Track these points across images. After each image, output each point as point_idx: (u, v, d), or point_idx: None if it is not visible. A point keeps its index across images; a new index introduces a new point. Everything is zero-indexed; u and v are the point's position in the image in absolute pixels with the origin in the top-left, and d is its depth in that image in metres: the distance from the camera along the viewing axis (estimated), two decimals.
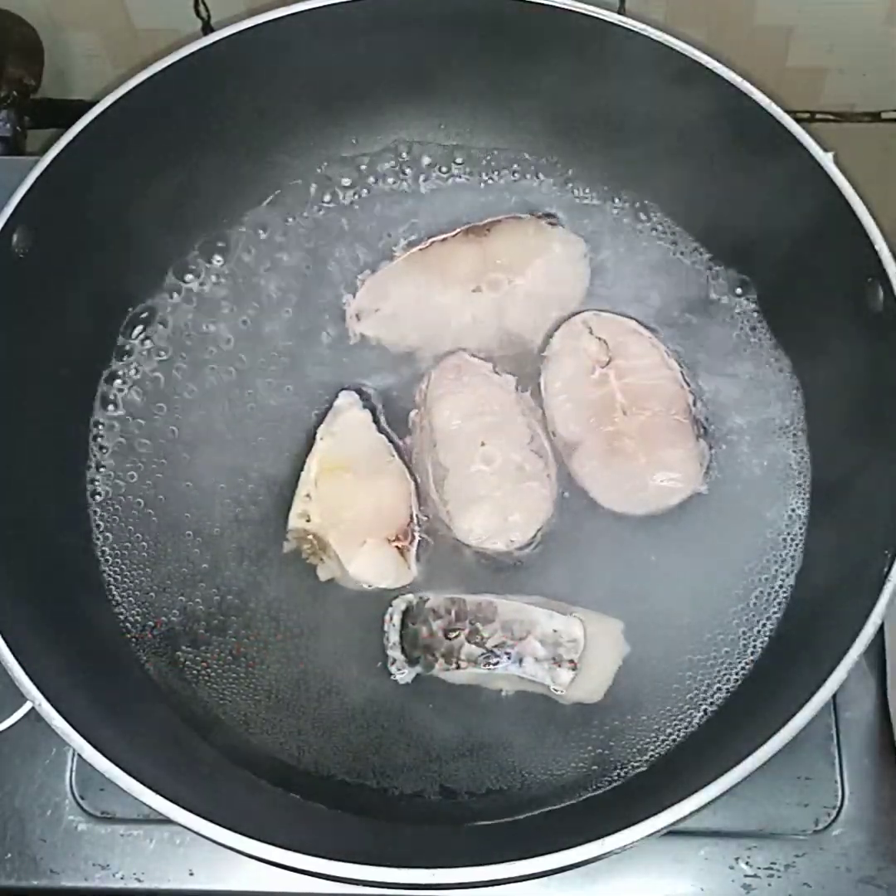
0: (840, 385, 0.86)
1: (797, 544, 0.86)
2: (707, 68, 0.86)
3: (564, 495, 0.88)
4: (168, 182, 0.92)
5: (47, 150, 0.83)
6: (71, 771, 0.87)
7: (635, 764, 0.81)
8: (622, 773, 0.81)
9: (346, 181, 0.98)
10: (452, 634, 0.81)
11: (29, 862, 0.85)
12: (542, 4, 0.87)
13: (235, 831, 0.67)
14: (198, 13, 1.06)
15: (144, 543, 0.88)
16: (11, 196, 0.81)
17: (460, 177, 0.98)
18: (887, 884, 0.83)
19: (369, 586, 0.85)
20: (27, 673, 0.71)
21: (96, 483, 0.89)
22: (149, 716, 0.82)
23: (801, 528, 0.87)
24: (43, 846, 0.85)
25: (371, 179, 0.98)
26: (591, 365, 0.90)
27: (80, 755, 0.70)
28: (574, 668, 0.80)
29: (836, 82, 1.12)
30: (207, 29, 1.07)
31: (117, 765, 0.69)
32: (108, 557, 0.88)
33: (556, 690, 0.80)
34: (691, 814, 0.67)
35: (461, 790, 0.81)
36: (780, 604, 0.85)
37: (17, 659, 0.71)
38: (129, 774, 0.69)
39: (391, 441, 0.89)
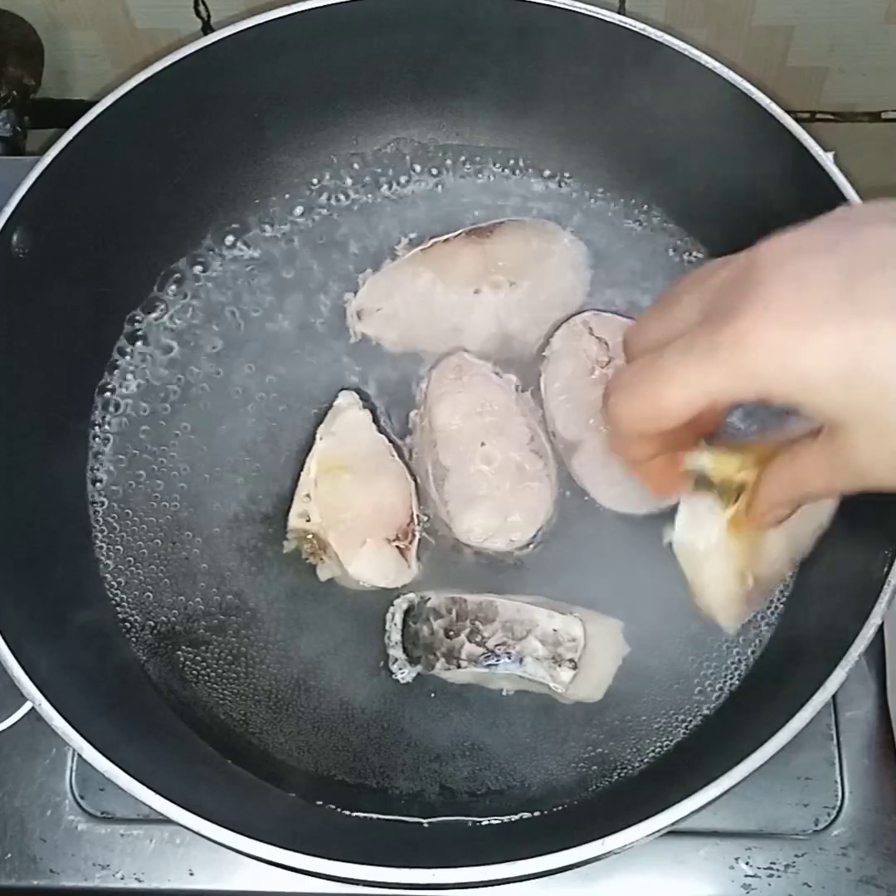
0: None
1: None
2: (707, 68, 0.86)
3: (565, 495, 0.88)
4: (168, 182, 0.92)
5: (47, 150, 0.83)
6: (71, 771, 0.87)
7: (635, 764, 0.81)
8: (622, 773, 0.81)
9: (346, 181, 0.98)
10: (453, 634, 0.81)
11: (29, 862, 0.85)
12: (542, 4, 0.87)
13: (235, 831, 0.67)
14: (198, 13, 1.06)
15: (144, 543, 0.88)
16: (11, 196, 0.81)
17: (460, 176, 0.98)
18: (887, 884, 0.83)
19: (369, 586, 0.85)
20: (27, 673, 0.71)
21: (96, 483, 0.89)
22: (149, 716, 0.82)
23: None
24: (43, 846, 0.85)
25: (371, 179, 0.98)
26: (591, 365, 0.90)
27: (80, 755, 0.70)
28: (574, 667, 0.80)
29: (836, 82, 1.12)
30: (207, 29, 1.07)
31: (117, 765, 0.69)
32: (108, 557, 0.88)
33: (556, 689, 0.80)
34: (691, 814, 0.67)
35: (461, 790, 0.81)
36: (780, 603, 0.85)
37: (17, 659, 0.71)
38: (129, 774, 0.68)
39: (391, 441, 0.89)
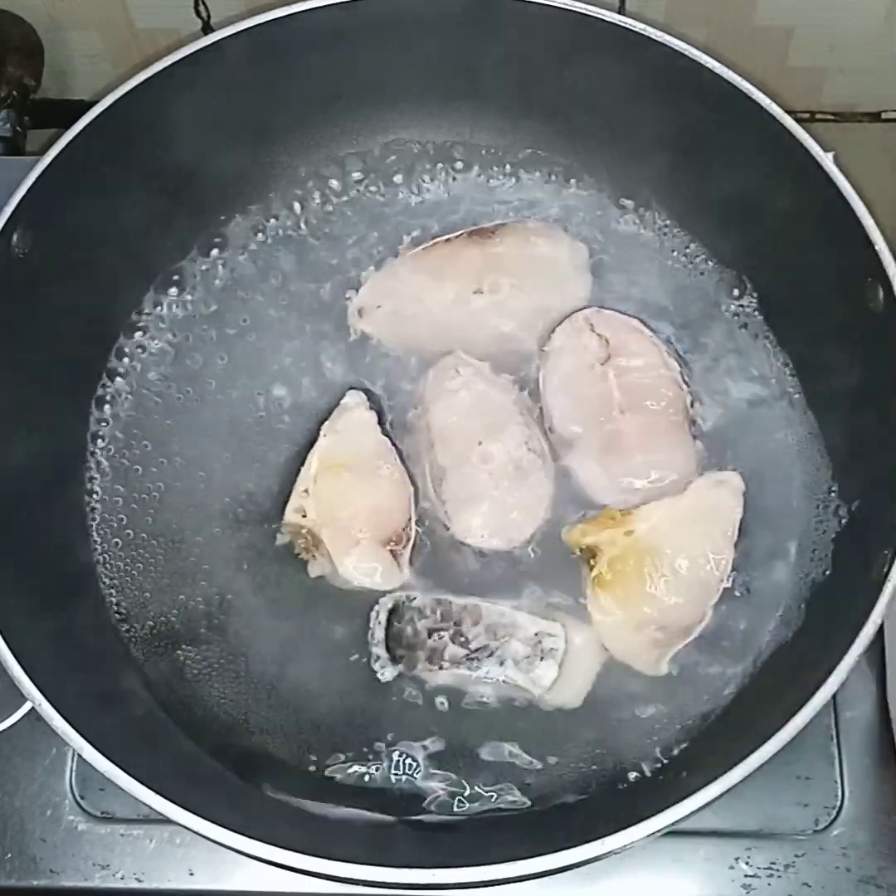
0: (840, 385, 0.86)
1: (797, 544, 0.86)
2: (707, 68, 0.86)
3: (562, 493, 0.88)
4: (168, 182, 0.92)
5: (47, 150, 0.83)
6: (71, 771, 0.87)
7: (635, 764, 0.81)
8: (622, 773, 0.81)
9: (345, 181, 0.98)
10: (437, 634, 0.82)
11: (29, 862, 0.85)
12: (543, 4, 0.87)
13: (235, 831, 0.67)
14: (198, 13, 1.06)
15: (143, 543, 0.88)
16: (11, 196, 0.81)
17: (460, 176, 0.98)
18: (887, 884, 0.83)
19: (359, 586, 0.85)
20: (27, 673, 0.71)
21: (95, 483, 0.89)
22: (149, 716, 0.82)
23: (801, 528, 0.87)
24: (43, 846, 0.85)
25: (371, 179, 0.98)
26: (591, 362, 0.90)
27: (80, 755, 0.70)
28: (555, 674, 0.80)
29: (836, 82, 1.12)
30: (207, 29, 1.07)
31: (117, 765, 0.69)
32: (107, 557, 0.88)
33: (536, 693, 0.81)
34: (691, 814, 0.67)
35: (462, 791, 0.81)
36: (780, 603, 0.85)
37: (17, 659, 0.71)
38: (129, 774, 0.69)
39: (394, 444, 0.89)
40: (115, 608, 0.86)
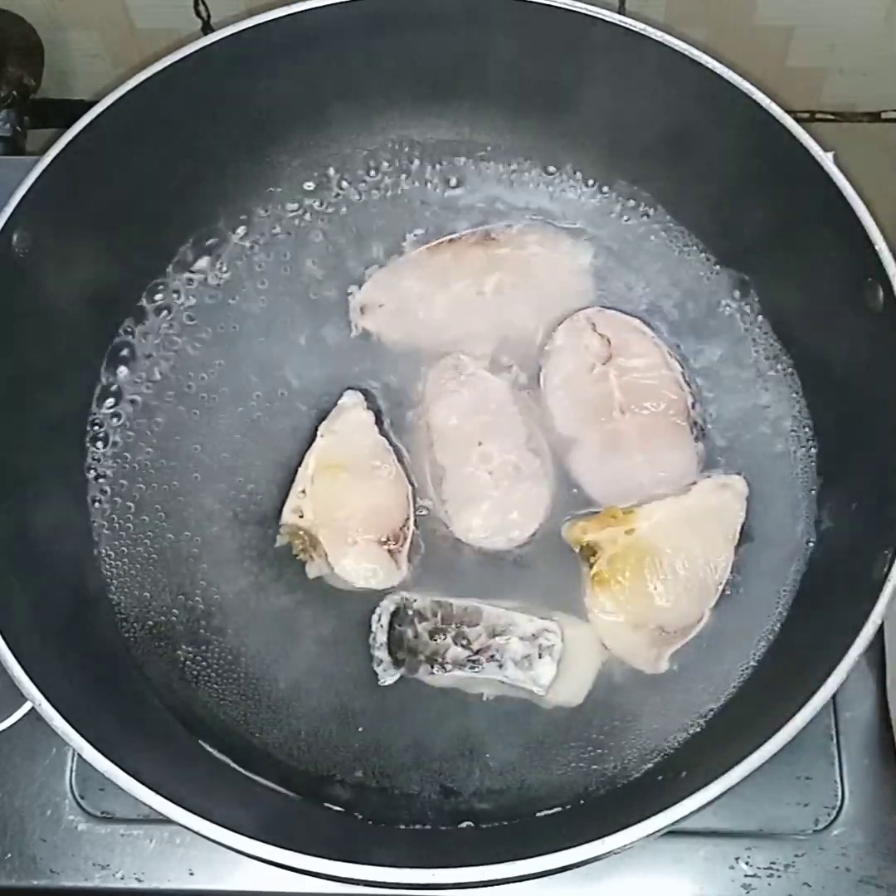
0: (841, 385, 0.86)
1: (797, 544, 0.86)
2: (707, 68, 0.86)
3: (561, 492, 0.88)
4: (168, 182, 0.92)
5: (47, 150, 0.83)
6: (71, 771, 0.87)
7: (635, 764, 0.81)
8: (622, 773, 0.81)
9: (345, 180, 0.98)
10: (438, 637, 0.82)
11: (29, 862, 0.85)
12: (543, 4, 0.87)
13: (235, 831, 0.67)
14: (198, 13, 1.06)
15: (144, 543, 0.88)
16: (11, 196, 0.81)
17: (461, 176, 0.98)
18: (887, 884, 0.83)
19: (356, 586, 0.85)
20: (27, 673, 0.71)
21: (96, 483, 0.89)
22: (149, 716, 0.82)
23: (801, 529, 0.87)
24: (43, 846, 0.85)
25: (370, 179, 0.98)
26: (592, 362, 0.90)
27: (80, 755, 0.70)
28: (553, 672, 0.80)
29: (836, 82, 1.12)
30: (207, 29, 1.07)
31: (117, 765, 0.69)
32: (108, 557, 0.88)
33: (536, 692, 0.81)
34: (691, 814, 0.67)
35: (461, 790, 0.81)
36: (779, 603, 0.85)
37: (17, 659, 0.71)
38: (129, 774, 0.68)
39: (392, 444, 0.89)
40: (116, 608, 0.86)
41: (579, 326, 0.91)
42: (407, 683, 0.83)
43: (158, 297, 0.95)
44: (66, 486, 0.88)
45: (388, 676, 0.83)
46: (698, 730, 0.82)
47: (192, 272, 0.96)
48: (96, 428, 0.91)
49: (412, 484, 0.88)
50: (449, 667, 0.81)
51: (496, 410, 0.89)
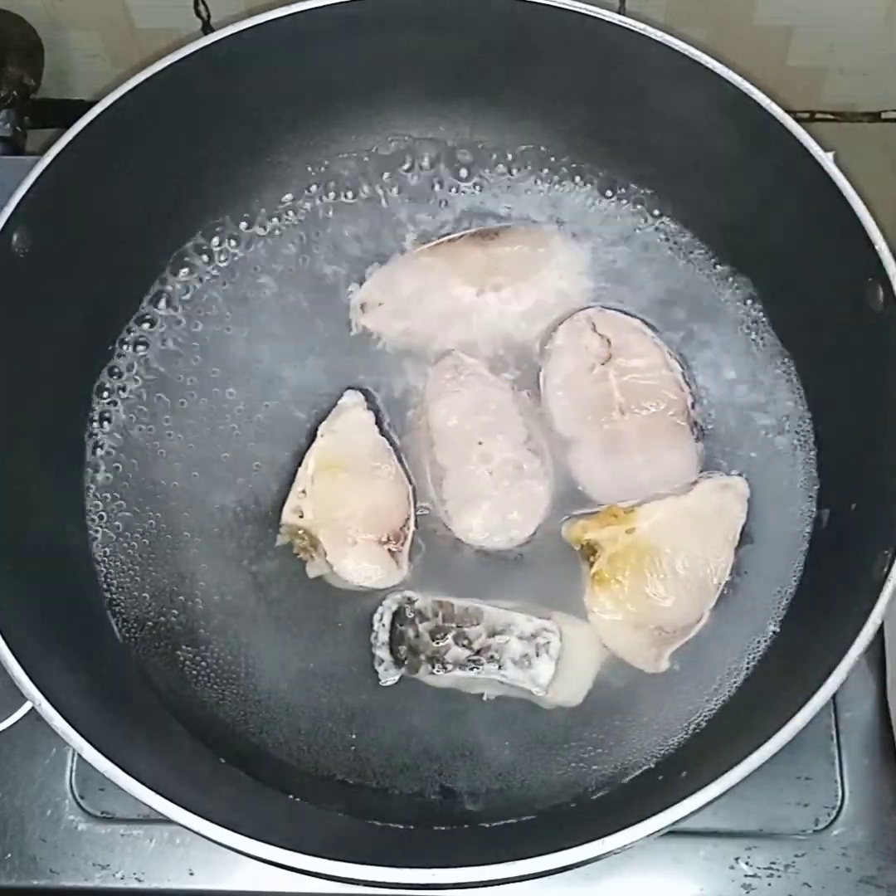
0: (841, 385, 0.86)
1: (797, 543, 0.86)
2: (707, 68, 0.86)
3: (561, 492, 0.88)
4: (168, 182, 0.92)
5: (47, 150, 0.83)
6: (71, 771, 0.87)
7: (635, 764, 0.81)
8: (622, 773, 0.81)
9: (345, 181, 0.98)
10: (440, 636, 0.82)
11: (29, 862, 0.85)
12: (543, 4, 0.87)
13: (235, 831, 0.67)
14: (198, 13, 1.06)
15: (144, 543, 0.88)
16: (11, 196, 0.81)
17: (461, 176, 0.98)
18: (887, 884, 0.83)
19: (357, 586, 0.85)
20: (27, 673, 0.71)
21: (96, 482, 0.89)
22: (149, 716, 0.82)
23: (802, 528, 0.87)
24: (43, 846, 0.85)
25: (370, 179, 0.98)
26: (592, 362, 0.90)
27: (80, 755, 0.70)
28: (552, 670, 0.80)
29: (836, 82, 1.12)
30: (207, 29, 1.07)
31: (117, 765, 0.69)
32: (107, 558, 0.88)
33: (535, 692, 0.81)
34: (691, 814, 0.67)
35: (461, 790, 0.81)
36: (779, 603, 0.85)
37: (17, 659, 0.71)
38: (129, 774, 0.68)
39: (392, 444, 0.89)
40: (115, 608, 0.86)
41: (579, 326, 0.91)
42: (407, 684, 0.83)
43: (158, 297, 0.95)
44: (65, 487, 0.88)
45: (390, 676, 0.83)
46: (698, 730, 0.82)
47: (192, 272, 0.96)
48: (95, 428, 0.91)
49: (412, 484, 0.88)
50: (450, 667, 0.81)
51: (496, 410, 0.89)
